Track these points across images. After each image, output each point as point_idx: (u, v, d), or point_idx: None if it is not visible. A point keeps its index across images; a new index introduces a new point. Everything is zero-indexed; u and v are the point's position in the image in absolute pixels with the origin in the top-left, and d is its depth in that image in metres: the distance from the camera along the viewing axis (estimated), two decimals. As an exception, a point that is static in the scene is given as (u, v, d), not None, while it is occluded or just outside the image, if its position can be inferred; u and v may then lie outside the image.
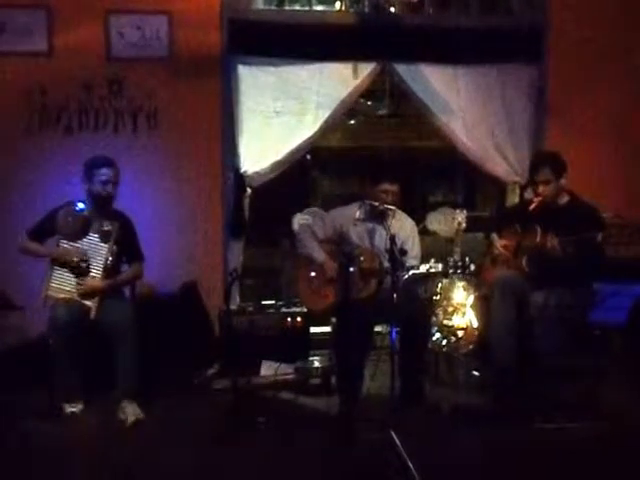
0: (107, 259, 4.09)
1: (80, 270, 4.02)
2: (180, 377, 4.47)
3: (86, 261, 4.03)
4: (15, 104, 4.91)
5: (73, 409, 3.99)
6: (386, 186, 4.22)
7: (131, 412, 3.89)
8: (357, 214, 4.34)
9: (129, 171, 4.84)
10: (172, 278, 4.85)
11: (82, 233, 4.07)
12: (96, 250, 4.09)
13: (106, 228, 4.08)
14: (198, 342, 4.69)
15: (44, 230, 4.12)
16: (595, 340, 4.04)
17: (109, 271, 4.10)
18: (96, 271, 4.07)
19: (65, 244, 4.06)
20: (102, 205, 4.13)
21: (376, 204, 4.21)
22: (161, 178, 5.06)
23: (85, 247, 4.07)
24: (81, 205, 4.10)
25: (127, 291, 4.41)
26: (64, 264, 4.03)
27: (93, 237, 4.09)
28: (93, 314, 3.99)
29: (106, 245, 4.09)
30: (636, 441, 3.58)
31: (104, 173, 4.09)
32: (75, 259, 4.01)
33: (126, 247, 4.22)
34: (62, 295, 4.02)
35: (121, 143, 4.99)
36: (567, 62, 5.24)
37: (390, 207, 4.22)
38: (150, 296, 4.67)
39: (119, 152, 4.85)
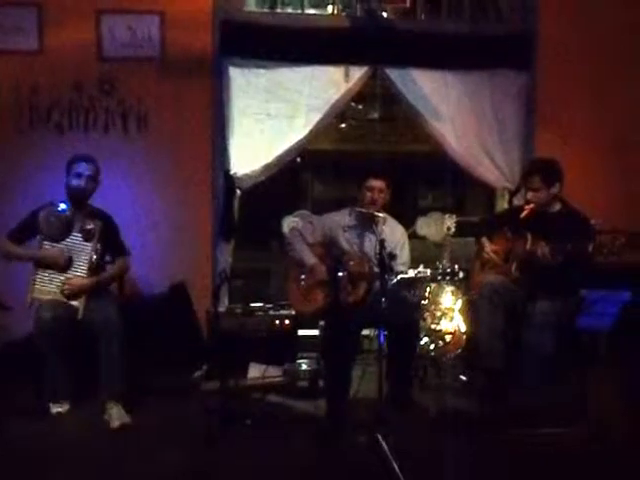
0: (91, 258, 4.08)
1: (63, 268, 4.01)
2: (168, 379, 4.45)
3: (70, 260, 4.03)
4: (5, 102, 4.90)
5: (59, 409, 3.98)
6: (371, 182, 4.22)
7: (116, 416, 3.86)
8: (346, 220, 4.34)
9: (119, 171, 4.88)
10: (161, 279, 4.85)
11: (65, 233, 4.06)
12: (80, 249, 4.08)
13: (88, 227, 4.07)
14: (186, 344, 4.67)
15: (25, 232, 4.12)
16: (582, 346, 4.06)
17: (94, 270, 4.09)
18: (81, 270, 4.07)
19: (48, 245, 4.05)
20: (79, 200, 4.12)
21: (365, 210, 4.21)
22: (151, 178, 5.05)
23: (69, 247, 4.06)
24: (63, 206, 4.09)
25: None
26: (48, 266, 4.02)
27: (76, 236, 4.08)
28: (80, 314, 3.98)
29: (89, 244, 4.08)
30: (623, 445, 3.60)
31: (80, 167, 4.11)
32: (60, 261, 4.00)
33: (110, 244, 4.23)
34: (48, 297, 4.00)
35: (111, 143, 4.99)
36: (557, 69, 5.26)
37: (379, 214, 4.22)
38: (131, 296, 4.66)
39: (109, 152, 4.88)
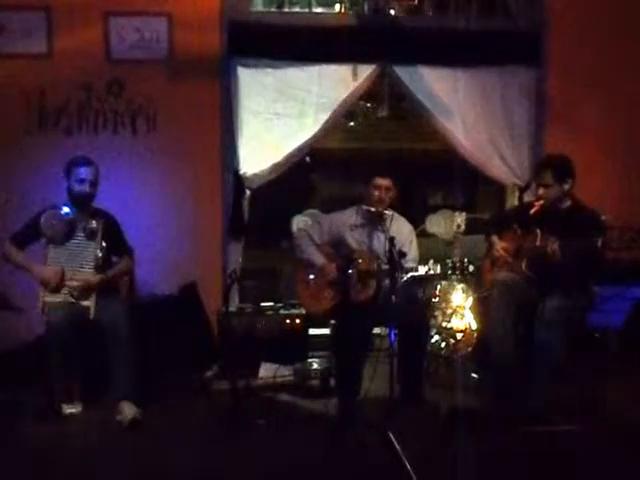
0: (96, 256, 4.10)
1: (55, 290, 4.00)
2: (179, 379, 4.47)
3: (62, 281, 4.01)
4: (15, 106, 4.91)
5: (72, 410, 4.01)
6: (378, 181, 4.22)
7: (128, 411, 3.87)
8: (354, 219, 4.34)
9: (128, 172, 4.91)
10: (171, 279, 4.85)
11: (68, 235, 4.08)
12: (85, 249, 4.11)
13: (91, 226, 4.10)
14: (197, 343, 4.68)
15: (28, 235, 4.14)
16: (594, 342, 4.04)
17: (100, 268, 4.11)
18: (88, 269, 4.09)
19: (53, 248, 4.07)
20: (82, 203, 4.15)
21: (372, 209, 4.21)
22: (160, 179, 5.06)
23: (73, 248, 4.08)
24: (66, 209, 4.11)
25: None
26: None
27: (80, 237, 4.10)
28: (92, 313, 4.00)
29: (93, 242, 4.10)
30: (634, 443, 3.58)
31: (82, 172, 4.13)
32: (51, 283, 4.00)
33: (113, 244, 4.24)
34: (59, 299, 4.02)
35: (120, 145, 5.01)
36: (566, 64, 5.24)
37: (386, 211, 4.22)
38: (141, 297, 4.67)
39: (118, 153, 4.91)
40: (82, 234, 4.10)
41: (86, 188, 4.13)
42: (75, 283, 4.03)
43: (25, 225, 4.17)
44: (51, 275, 4.01)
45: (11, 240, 4.15)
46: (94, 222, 4.11)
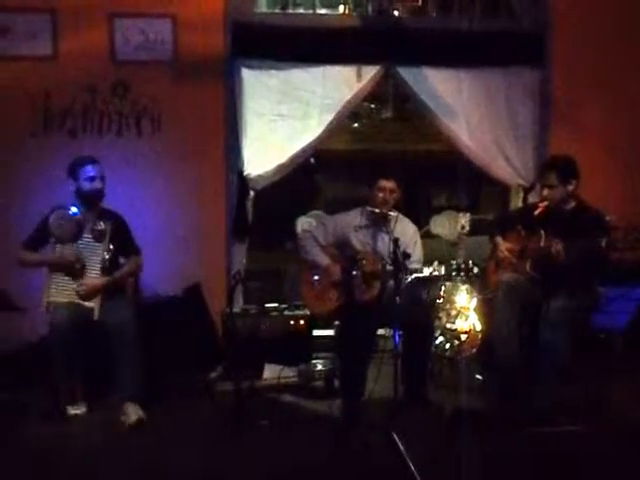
0: (103, 258, 4.10)
1: (77, 271, 4.03)
2: (183, 379, 4.47)
3: (82, 260, 4.05)
4: (20, 107, 4.93)
5: (76, 411, 4.01)
6: (382, 183, 4.23)
7: (133, 412, 3.88)
8: (358, 220, 4.34)
9: (133, 173, 4.92)
10: (176, 280, 4.85)
11: (76, 235, 4.08)
12: (92, 250, 4.11)
13: (99, 227, 4.10)
14: (201, 344, 4.69)
15: (38, 239, 4.15)
16: (599, 343, 4.03)
17: (107, 270, 4.12)
18: (94, 271, 4.09)
19: (60, 248, 4.07)
20: (92, 202, 4.15)
21: (377, 210, 4.22)
22: (164, 180, 5.08)
23: (81, 249, 4.09)
24: (74, 209, 4.12)
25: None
26: (61, 268, 4.05)
27: (87, 238, 4.11)
28: (96, 314, 4.01)
29: (101, 244, 4.11)
30: (639, 443, 3.57)
31: (89, 170, 4.13)
32: (71, 259, 4.02)
33: (121, 244, 4.24)
34: (63, 299, 4.03)
35: (125, 146, 5.03)
36: (571, 65, 5.24)
37: (391, 212, 4.23)
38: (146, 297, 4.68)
39: (123, 155, 4.92)
40: (90, 235, 4.11)
41: (97, 184, 4.14)
42: (81, 287, 4.03)
43: (35, 229, 4.17)
44: (71, 256, 4.02)
45: (24, 246, 4.16)
46: (102, 223, 4.11)
